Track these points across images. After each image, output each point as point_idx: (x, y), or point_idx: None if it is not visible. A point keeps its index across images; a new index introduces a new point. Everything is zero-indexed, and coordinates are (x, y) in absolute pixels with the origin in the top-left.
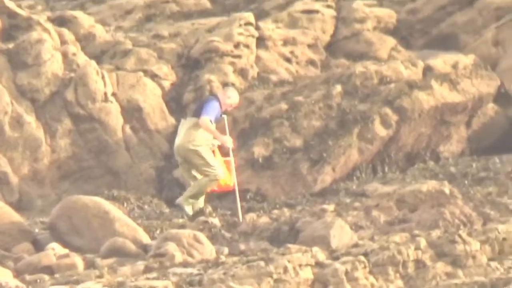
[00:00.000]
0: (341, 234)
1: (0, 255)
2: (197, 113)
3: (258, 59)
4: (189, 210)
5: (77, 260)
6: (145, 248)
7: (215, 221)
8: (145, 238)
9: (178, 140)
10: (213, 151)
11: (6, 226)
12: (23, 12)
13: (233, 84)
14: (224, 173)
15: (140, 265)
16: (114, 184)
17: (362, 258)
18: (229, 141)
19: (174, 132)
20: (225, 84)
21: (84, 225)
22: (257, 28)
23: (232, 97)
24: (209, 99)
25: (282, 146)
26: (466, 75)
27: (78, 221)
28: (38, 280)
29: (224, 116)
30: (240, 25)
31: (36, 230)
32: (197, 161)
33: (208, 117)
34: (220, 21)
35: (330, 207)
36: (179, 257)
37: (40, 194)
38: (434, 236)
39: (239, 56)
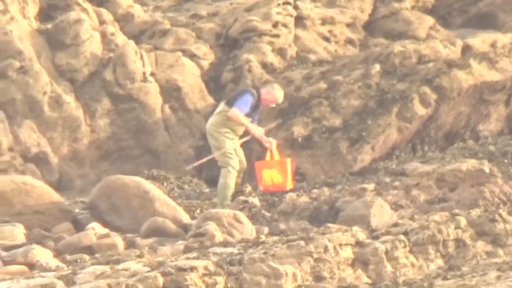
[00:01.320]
0: (381, 213)
1: (41, 235)
2: (230, 102)
3: (296, 38)
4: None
5: (117, 240)
6: (185, 227)
7: (255, 200)
8: (185, 218)
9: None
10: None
11: (46, 206)
12: None
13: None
14: (278, 174)
15: (180, 244)
16: (153, 164)
17: (402, 237)
18: (258, 130)
19: (213, 112)
20: (264, 65)
21: (124, 204)
22: (296, 7)
23: (272, 93)
24: (245, 92)
25: (321, 125)
26: (505, 54)
27: (118, 200)
28: (79, 260)
29: (260, 107)
30: (279, 5)
31: (76, 210)
32: (214, 147)
33: (238, 110)
34: (258, 1)
35: (370, 186)
36: (219, 236)
37: (80, 174)
38: (474, 215)
39: (277, 36)
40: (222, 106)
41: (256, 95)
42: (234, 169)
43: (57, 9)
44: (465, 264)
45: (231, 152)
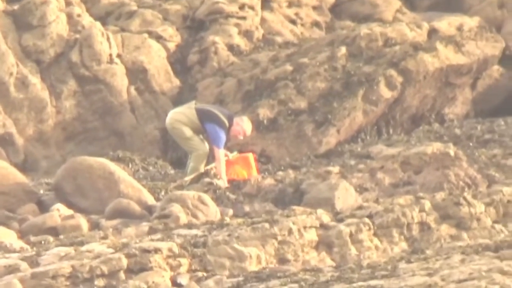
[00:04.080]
0: (346, 196)
1: (5, 216)
2: (203, 118)
3: (263, 20)
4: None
5: (82, 221)
6: (149, 209)
7: (220, 182)
8: (150, 200)
9: (169, 115)
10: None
11: (10, 187)
12: None
13: (237, 48)
14: (242, 170)
15: (145, 226)
16: (119, 145)
17: (366, 220)
18: (224, 183)
19: (179, 93)
20: (230, 47)
21: (89, 186)
22: None
23: (241, 125)
24: (219, 125)
25: (287, 107)
26: (471, 37)
27: (83, 182)
28: (43, 241)
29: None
30: None
31: (41, 191)
32: (179, 138)
33: (222, 150)
34: None
35: (335, 169)
36: (183, 218)
37: (45, 155)
38: (439, 198)
39: (244, 18)
40: (189, 109)
41: (227, 126)
42: (203, 151)
43: None
44: (429, 247)
45: (193, 138)
